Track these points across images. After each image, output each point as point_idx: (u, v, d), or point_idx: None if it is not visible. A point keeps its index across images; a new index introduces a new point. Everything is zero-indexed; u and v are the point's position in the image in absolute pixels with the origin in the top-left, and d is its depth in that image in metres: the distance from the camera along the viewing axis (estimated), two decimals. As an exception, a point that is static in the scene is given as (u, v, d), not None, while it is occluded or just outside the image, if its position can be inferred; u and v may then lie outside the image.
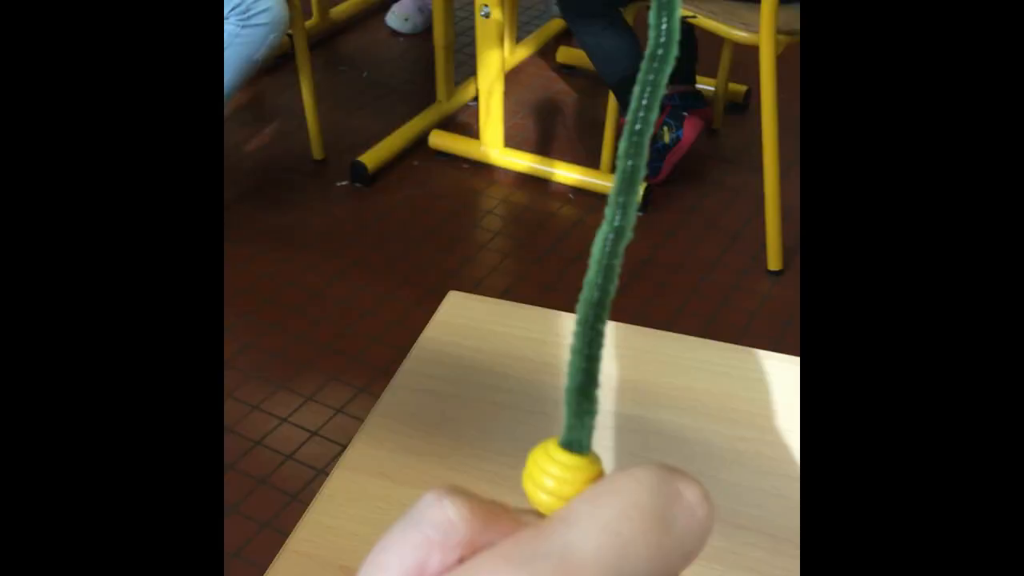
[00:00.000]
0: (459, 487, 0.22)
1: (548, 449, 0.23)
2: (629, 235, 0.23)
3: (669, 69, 0.23)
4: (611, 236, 0.23)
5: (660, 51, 0.23)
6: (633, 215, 0.23)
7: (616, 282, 0.23)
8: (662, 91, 0.23)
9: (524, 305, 0.72)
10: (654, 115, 0.23)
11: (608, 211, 0.23)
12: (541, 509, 0.22)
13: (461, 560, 0.21)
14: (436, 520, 0.21)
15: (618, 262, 0.23)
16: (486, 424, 0.63)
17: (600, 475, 0.22)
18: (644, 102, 0.23)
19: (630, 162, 0.23)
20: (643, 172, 0.23)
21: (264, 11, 1.91)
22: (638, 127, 0.23)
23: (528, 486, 0.23)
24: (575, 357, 0.23)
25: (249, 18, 1.92)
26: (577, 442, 0.23)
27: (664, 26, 0.22)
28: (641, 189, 0.21)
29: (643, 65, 0.23)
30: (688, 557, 0.20)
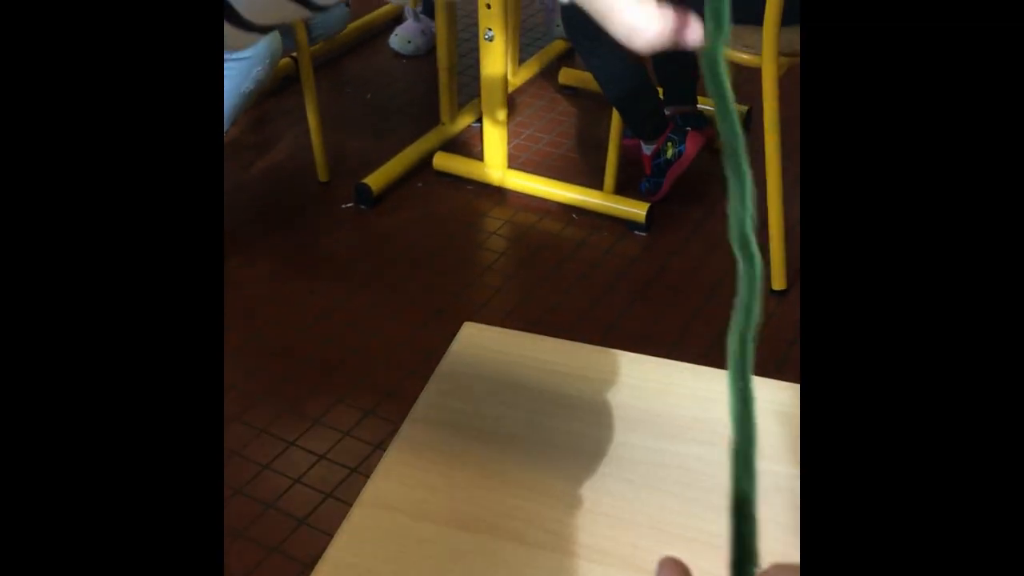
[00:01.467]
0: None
1: None
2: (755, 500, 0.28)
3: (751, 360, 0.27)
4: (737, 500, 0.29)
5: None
6: (757, 481, 0.29)
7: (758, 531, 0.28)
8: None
9: (541, 336, 0.73)
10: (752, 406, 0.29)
11: (731, 467, 0.28)
12: None
13: None
14: None
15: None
16: (505, 457, 0.63)
17: None
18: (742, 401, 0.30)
19: (740, 473, 0.29)
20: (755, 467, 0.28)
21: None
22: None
23: None
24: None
25: (231, 53, 1.93)
26: None
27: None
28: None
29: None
30: None
